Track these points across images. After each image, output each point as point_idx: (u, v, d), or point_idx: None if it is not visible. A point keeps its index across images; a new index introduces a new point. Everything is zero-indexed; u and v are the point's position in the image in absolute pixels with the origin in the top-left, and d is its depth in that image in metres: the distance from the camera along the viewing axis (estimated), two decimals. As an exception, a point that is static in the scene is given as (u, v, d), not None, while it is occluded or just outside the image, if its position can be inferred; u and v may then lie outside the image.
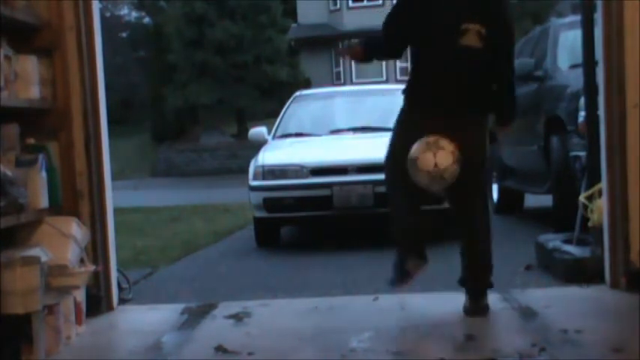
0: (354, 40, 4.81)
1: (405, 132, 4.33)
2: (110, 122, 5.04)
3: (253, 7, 25.64)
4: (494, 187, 10.21)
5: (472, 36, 4.14)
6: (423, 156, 4.10)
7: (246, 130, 15.37)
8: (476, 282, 4.45)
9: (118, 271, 5.21)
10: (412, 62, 4.38)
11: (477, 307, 4.38)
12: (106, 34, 5.11)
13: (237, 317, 4.60)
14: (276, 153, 8.07)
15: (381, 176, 4.64)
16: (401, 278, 4.43)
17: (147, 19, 37.27)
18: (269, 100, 25.14)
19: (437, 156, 4.07)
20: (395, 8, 4.36)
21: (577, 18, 7.31)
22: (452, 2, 4.21)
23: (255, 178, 7.85)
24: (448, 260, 6.61)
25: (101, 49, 4.89)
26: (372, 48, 4.49)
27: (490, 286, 4.48)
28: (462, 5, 4.18)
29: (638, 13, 4.64)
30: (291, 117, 9.15)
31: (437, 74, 4.24)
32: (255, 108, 26.34)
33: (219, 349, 3.91)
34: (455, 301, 4.88)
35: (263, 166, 7.85)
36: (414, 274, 4.43)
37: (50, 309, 3.95)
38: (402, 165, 4.24)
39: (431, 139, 4.11)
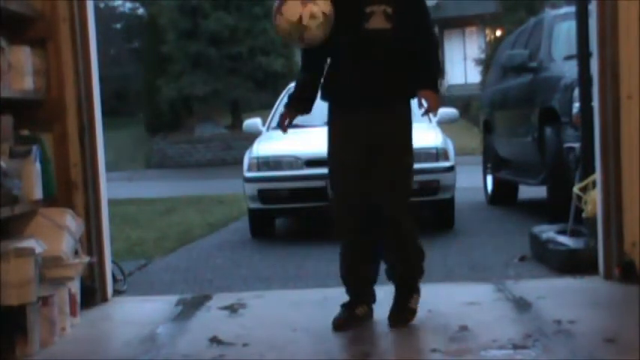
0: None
1: (337, 140, 4.10)
2: (104, 113, 5.04)
3: (248, -1, 25.60)
4: (489, 178, 10.23)
5: (378, 18, 3.91)
6: (290, 3, 3.78)
7: (241, 122, 15.34)
8: (403, 284, 4.20)
9: (113, 262, 5.21)
10: (330, 60, 4.14)
11: (403, 313, 4.11)
12: (100, 26, 5.09)
13: (232, 308, 4.61)
14: (270, 144, 8.06)
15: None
16: (348, 321, 4.07)
17: (141, 10, 37.13)
18: (264, 91, 25.11)
19: (304, 9, 3.77)
20: None
21: (571, 9, 7.32)
22: None
23: (249, 169, 7.85)
24: (440, 252, 6.63)
25: (95, 40, 4.88)
26: (293, 96, 4.23)
27: (416, 288, 4.21)
28: None
29: (632, 5, 4.65)
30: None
31: (348, 63, 3.98)
32: (249, 99, 26.30)
33: (214, 340, 3.92)
34: (449, 292, 4.90)
35: (258, 158, 7.84)
36: (361, 321, 4.11)
37: (45, 300, 3.95)
38: (349, 192, 4.06)
39: None
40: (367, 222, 4.11)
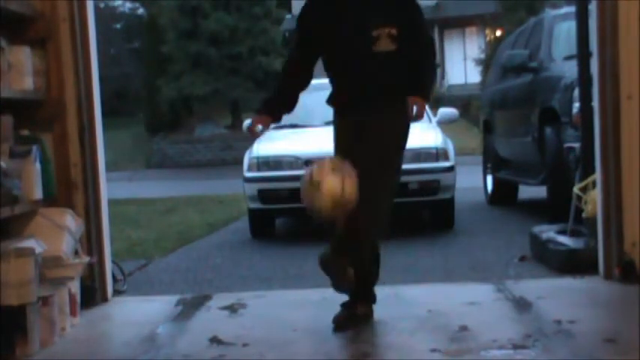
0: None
1: (340, 143, 4.21)
2: (104, 113, 5.04)
3: (248, -1, 25.61)
4: (489, 178, 10.23)
5: (384, 40, 4.00)
6: (329, 179, 3.76)
7: (241, 122, 15.35)
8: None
9: (113, 262, 5.21)
10: (328, 72, 4.22)
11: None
12: (100, 26, 5.08)
13: (232, 308, 4.61)
14: (270, 144, 8.06)
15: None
16: (348, 321, 4.09)
17: (141, 10, 37.13)
18: (263, 91, 25.11)
19: (345, 182, 3.76)
20: (301, 13, 4.21)
21: (571, 9, 7.32)
22: (358, 7, 4.03)
23: (249, 169, 7.85)
24: (440, 252, 6.64)
25: (95, 40, 4.88)
26: (272, 102, 4.29)
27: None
28: (369, 9, 4.03)
29: (632, 5, 4.65)
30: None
31: (355, 83, 4.09)
32: (249, 99, 26.29)
33: (214, 340, 3.92)
34: (449, 292, 4.90)
35: (258, 158, 7.84)
36: (361, 321, 4.13)
37: (45, 300, 3.95)
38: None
39: (336, 162, 3.88)
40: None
